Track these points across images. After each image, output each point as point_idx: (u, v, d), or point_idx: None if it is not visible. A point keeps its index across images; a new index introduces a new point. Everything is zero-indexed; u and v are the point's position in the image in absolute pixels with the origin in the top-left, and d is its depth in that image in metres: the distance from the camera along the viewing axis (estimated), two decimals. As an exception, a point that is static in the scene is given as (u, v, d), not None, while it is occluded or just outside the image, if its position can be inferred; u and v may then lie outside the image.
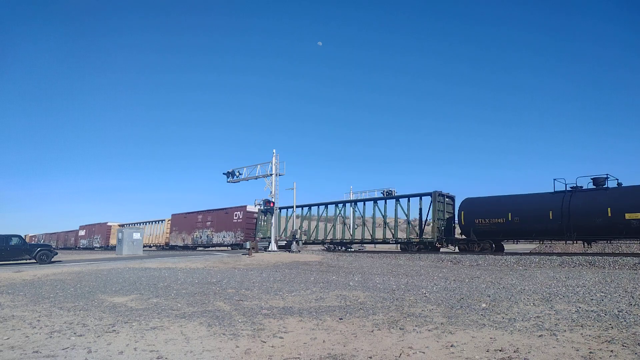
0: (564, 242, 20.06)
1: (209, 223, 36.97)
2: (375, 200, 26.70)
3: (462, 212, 22.00)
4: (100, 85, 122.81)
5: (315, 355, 4.27)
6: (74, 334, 5.26)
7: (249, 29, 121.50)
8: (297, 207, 30.79)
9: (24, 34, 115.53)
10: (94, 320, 6.10)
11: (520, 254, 20.02)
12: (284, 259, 20.42)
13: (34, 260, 20.02)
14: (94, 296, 8.58)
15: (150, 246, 44.51)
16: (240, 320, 5.93)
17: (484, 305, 6.92)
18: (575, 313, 6.09)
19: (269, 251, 25.65)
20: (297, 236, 27.45)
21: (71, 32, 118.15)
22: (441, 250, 23.58)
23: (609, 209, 17.45)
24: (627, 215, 16.98)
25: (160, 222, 44.39)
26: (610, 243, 22.28)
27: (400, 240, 24.93)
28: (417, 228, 24.88)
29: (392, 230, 25.24)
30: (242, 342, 4.82)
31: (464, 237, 22.24)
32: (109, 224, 49.84)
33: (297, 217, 31.86)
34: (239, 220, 33.95)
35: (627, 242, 20.74)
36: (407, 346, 4.51)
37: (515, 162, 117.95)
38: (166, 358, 4.26)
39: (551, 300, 7.27)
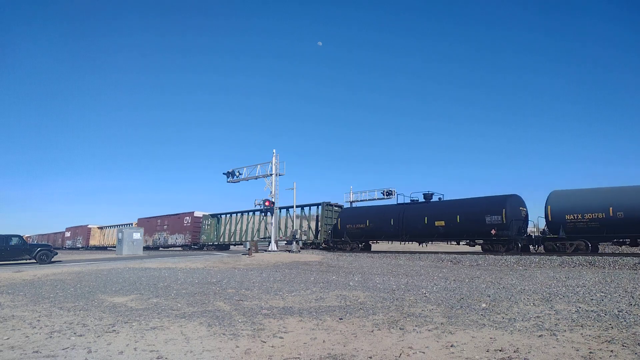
0: (399, 242, 25.23)
1: (165, 226, 41.47)
2: (287, 208, 30.66)
3: (339, 218, 27.58)
4: (100, 85, 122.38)
5: (315, 355, 4.27)
6: (74, 334, 5.27)
7: (249, 30, 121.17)
8: (224, 213, 36.30)
9: (24, 34, 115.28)
10: (94, 320, 6.10)
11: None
12: (284, 259, 20.43)
13: (34, 260, 20.03)
14: (94, 296, 8.58)
15: None
16: (240, 320, 5.93)
17: (484, 305, 6.92)
18: (575, 313, 6.09)
19: (269, 251, 25.71)
20: (297, 236, 27.57)
21: (71, 32, 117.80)
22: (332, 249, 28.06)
23: (425, 218, 22.87)
24: (437, 223, 22.38)
25: (129, 225, 47.59)
26: (432, 243, 26.29)
27: (301, 240, 29.13)
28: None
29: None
30: (242, 342, 4.82)
31: (342, 238, 26.95)
32: (89, 226, 54.43)
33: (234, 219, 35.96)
34: (187, 224, 38.68)
35: (438, 242, 24.98)
36: (407, 346, 4.52)
37: (515, 162, 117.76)
38: (166, 358, 4.26)
39: (551, 300, 7.27)
